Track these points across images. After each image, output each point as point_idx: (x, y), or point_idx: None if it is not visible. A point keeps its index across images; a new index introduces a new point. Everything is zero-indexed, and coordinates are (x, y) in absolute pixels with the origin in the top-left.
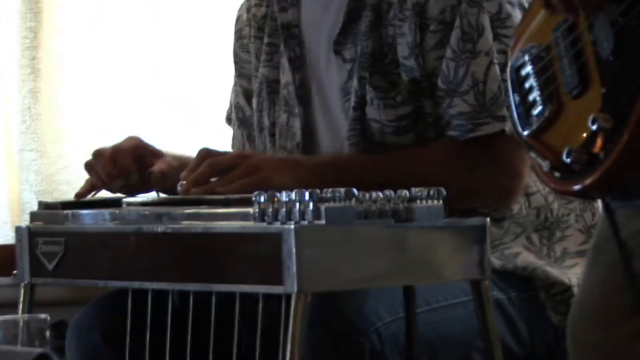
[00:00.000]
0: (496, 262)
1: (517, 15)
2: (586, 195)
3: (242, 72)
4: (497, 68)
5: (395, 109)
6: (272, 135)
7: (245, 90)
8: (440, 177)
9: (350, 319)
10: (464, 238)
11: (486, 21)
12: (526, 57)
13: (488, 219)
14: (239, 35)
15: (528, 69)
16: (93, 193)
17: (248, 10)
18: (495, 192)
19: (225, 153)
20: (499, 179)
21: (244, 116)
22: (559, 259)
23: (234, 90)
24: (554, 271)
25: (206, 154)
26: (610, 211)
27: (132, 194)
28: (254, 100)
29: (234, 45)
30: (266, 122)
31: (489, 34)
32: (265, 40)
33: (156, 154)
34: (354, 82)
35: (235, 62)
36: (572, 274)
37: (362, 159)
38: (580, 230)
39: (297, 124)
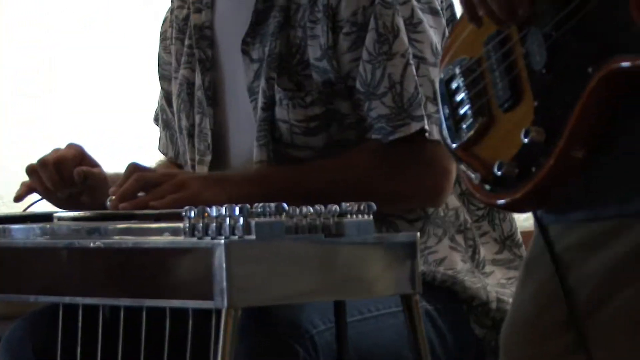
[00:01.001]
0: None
1: (429, 21)
2: (517, 208)
3: (163, 74)
4: (413, 69)
5: (305, 109)
6: (191, 136)
7: (166, 92)
8: (367, 181)
9: (285, 326)
10: (394, 253)
11: (401, 23)
12: (456, 70)
13: (418, 234)
14: (163, 37)
15: (458, 81)
16: (31, 203)
17: (172, 12)
18: (423, 192)
19: (153, 170)
20: (425, 179)
21: (167, 118)
22: (480, 263)
23: (160, 93)
24: (474, 284)
25: (133, 169)
26: (543, 227)
27: (72, 205)
28: (174, 102)
29: (159, 47)
30: (185, 123)
31: (404, 35)
32: (186, 42)
33: (94, 166)
34: (262, 82)
35: (159, 64)
36: (491, 287)
37: (289, 170)
38: (495, 239)
39: (207, 125)
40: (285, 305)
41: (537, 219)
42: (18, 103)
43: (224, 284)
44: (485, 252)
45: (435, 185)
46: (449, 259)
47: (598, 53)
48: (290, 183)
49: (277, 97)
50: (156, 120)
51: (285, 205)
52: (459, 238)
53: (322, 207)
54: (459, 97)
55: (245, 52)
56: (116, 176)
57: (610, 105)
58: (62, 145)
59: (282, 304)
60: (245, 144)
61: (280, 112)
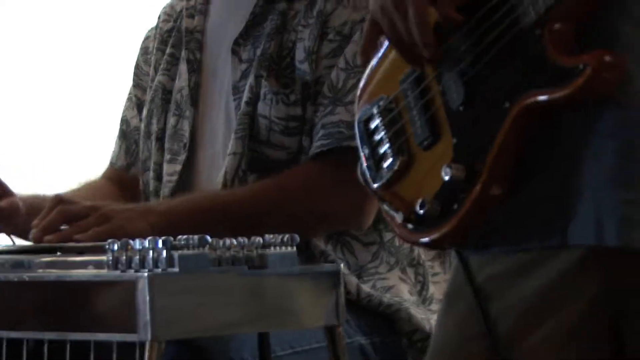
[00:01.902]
0: (366, 289)
1: None
2: (440, 246)
3: (139, 83)
4: None
5: (287, 107)
6: (159, 139)
7: (138, 100)
8: (300, 205)
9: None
10: (318, 284)
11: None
12: (374, 110)
13: (342, 265)
14: (144, 51)
15: (377, 121)
16: None
17: (156, 28)
18: (352, 213)
19: (78, 201)
20: (356, 201)
21: (128, 128)
22: (427, 299)
23: (126, 103)
24: (419, 314)
25: (57, 202)
26: (463, 258)
27: None
28: (145, 109)
29: (138, 59)
30: (155, 127)
31: None
32: (168, 51)
33: (7, 193)
34: (249, 80)
35: (135, 74)
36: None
37: (217, 198)
38: (447, 280)
39: (185, 125)
40: (216, 338)
41: (458, 251)
42: None
43: (148, 316)
44: (434, 290)
45: (359, 204)
46: (396, 288)
47: (514, 88)
48: (218, 211)
49: (262, 92)
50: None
51: (208, 237)
52: (410, 271)
53: (246, 239)
54: (378, 137)
55: (235, 52)
56: (34, 199)
57: (528, 140)
58: None
59: (209, 337)
60: (221, 142)
61: (262, 108)
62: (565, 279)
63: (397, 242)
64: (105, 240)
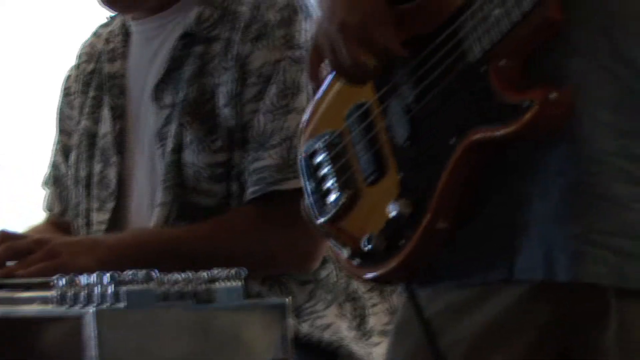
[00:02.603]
0: (304, 328)
1: None
2: (387, 281)
3: (64, 129)
4: None
5: (213, 154)
6: (87, 186)
7: (65, 146)
8: (241, 246)
9: None
10: (265, 318)
11: (305, 81)
12: (319, 144)
13: (288, 299)
14: (66, 93)
15: (322, 156)
16: None
17: (77, 67)
18: (294, 257)
19: (24, 236)
20: (297, 243)
21: (59, 174)
22: (367, 333)
23: (53, 149)
24: (360, 350)
25: (3, 238)
26: (412, 292)
27: None
28: (73, 154)
29: (60, 103)
30: (83, 173)
31: (305, 94)
32: (91, 94)
33: None
34: (172, 127)
35: (60, 120)
36: (377, 356)
37: (165, 234)
38: (387, 310)
39: (112, 172)
40: None
41: (406, 285)
42: None
43: (94, 352)
44: (375, 321)
45: (306, 251)
46: (335, 325)
47: (460, 124)
48: (166, 247)
49: (187, 139)
50: (46, 184)
51: (155, 272)
52: (348, 306)
53: (192, 274)
54: (323, 172)
55: (156, 97)
56: None
57: (474, 175)
58: None
59: None
60: (148, 190)
61: (188, 155)
62: (512, 313)
63: (333, 278)
64: (49, 275)
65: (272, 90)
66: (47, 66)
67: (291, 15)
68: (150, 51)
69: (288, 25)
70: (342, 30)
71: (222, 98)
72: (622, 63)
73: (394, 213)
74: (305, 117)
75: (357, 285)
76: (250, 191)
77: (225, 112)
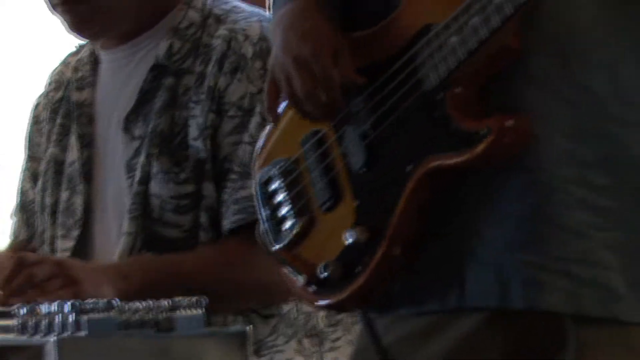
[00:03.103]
0: None
1: None
2: (343, 308)
3: (33, 154)
4: None
5: (178, 186)
6: (53, 214)
7: (34, 172)
8: (239, 275)
9: None
10: (225, 346)
11: None
12: (274, 171)
13: (249, 327)
14: (35, 120)
15: (277, 183)
16: None
17: (46, 95)
18: (252, 291)
19: (43, 259)
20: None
21: (26, 200)
22: None
23: (22, 176)
24: None
25: (22, 262)
26: (369, 320)
27: None
28: (40, 181)
29: (29, 129)
30: (49, 201)
31: None
32: (58, 121)
33: None
34: (141, 158)
35: (29, 147)
36: None
37: (176, 266)
38: (351, 341)
39: (78, 200)
40: None
41: (363, 313)
42: None
43: None
44: (336, 355)
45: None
46: None
47: (416, 151)
48: (178, 280)
49: (154, 171)
50: (14, 213)
51: (115, 301)
52: (306, 342)
53: (153, 302)
54: (278, 199)
55: (126, 129)
56: None
57: (430, 202)
58: None
59: None
60: (114, 219)
61: (154, 187)
62: (469, 341)
63: (294, 313)
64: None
65: (254, 122)
66: (47, 67)
67: (266, 47)
68: (119, 80)
69: (264, 57)
70: (296, 63)
71: (193, 130)
72: (580, 91)
73: (350, 240)
74: (259, 144)
75: (317, 321)
76: (234, 219)
77: (196, 144)
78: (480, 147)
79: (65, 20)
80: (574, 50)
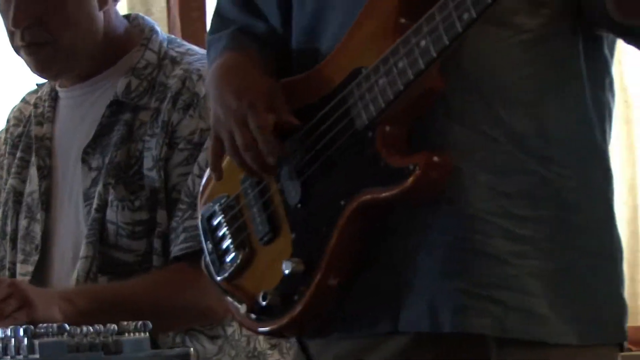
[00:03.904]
0: None
1: None
2: (281, 334)
3: None
4: None
5: (133, 213)
6: (13, 240)
7: None
8: (184, 299)
9: None
10: None
11: None
12: (216, 207)
13: (192, 349)
14: None
15: (219, 218)
16: None
17: (6, 131)
18: (192, 313)
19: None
20: (198, 300)
21: None
22: None
23: None
24: None
25: None
26: (303, 345)
27: None
28: (0, 210)
29: None
30: (8, 229)
31: None
32: (19, 155)
33: None
34: (98, 187)
35: None
36: None
37: (125, 292)
38: None
39: (37, 228)
40: None
41: (298, 338)
42: None
43: None
44: None
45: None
46: None
47: (349, 187)
48: (127, 305)
49: (110, 199)
50: None
51: (66, 325)
52: None
53: (102, 327)
54: (220, 233)
55: (84, 160)
56: None
57: (362, 234)
58: None
59: None
60: (71, 245)
61: (111, 214)
62: None
63: (236, 335)
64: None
65: (202, 156)
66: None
67: None
68: (77, 116)
69: None
70: (235, 119)
71: (148, 162)
72: (500, 128)
73: (287, 271)
74: (203, 181)
75: (257, 344)
76: (182, 247)
77: (151, 174)
78: (408, 182)
79: (28, 62)
80: (496, 89)
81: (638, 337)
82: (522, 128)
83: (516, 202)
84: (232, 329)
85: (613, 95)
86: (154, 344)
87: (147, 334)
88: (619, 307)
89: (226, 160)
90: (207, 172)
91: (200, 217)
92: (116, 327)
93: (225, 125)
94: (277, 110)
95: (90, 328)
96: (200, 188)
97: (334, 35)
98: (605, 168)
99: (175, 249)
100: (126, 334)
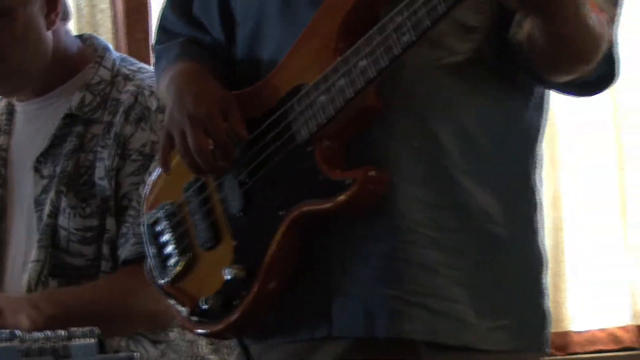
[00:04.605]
0: None
1: None
2: (221, 336)
3: None
4: None
5: (84, 219)
6: None
7: None
8: (133, 303)
9: None
10: None
11: None
12: (160, 214)
13: (136, 353)
14: None
15: (163, 224)
16: None
17: None
18: (144, 317)
19: None
20: (149, 304)
21: None
22: None
23: None
24: None
25: None
26: (244, 347)
27: None
28: None
29: None
30: None
31: None
32: None
33: None
34: (51, 194)
35: None
36: None
37: (84, 298)
38: None
39: None
40: None
41: (240, 340)
42: None
43: None
44: None
45: (154, 311)
46: None
47: (288, 198)
48: (86, 310)
49: (62, 206)
50: None
51: (17, 331)
52: None
53: (51, 332)
54: (163, 238)
55: (36, 169)
56: None
57: (300, 242)
58: None
59: None
60: (24, 250)
61: (62, 220)
62: None
63: (178, 340)
64: None
65: (153, 166)
66: None
67: None
68: (33, 129)
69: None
70: (191, 121)
71: (100, 171)
72: (430, 141)
73: (228, 277)
74: (147, 188)
75: (199, 348)
76: (132, 250)
77: (102, 183)
78: (345, 195)
79: None
80: (428, 107)
81: (562, 342)
82: (448, 143)
83: (444, 214)
84: (175, 333)
85: (541, 114)
86: (102, 348)
87: (95, 339)
88: (541, 315)
89: (173, 166)
90: (151, 179)
91: (144, 223)
92: (65, 333)
93: (179, 125)
94: (230, 120)
95: (41, 334)
96: (144, 195)
97: (273, 50)
98: (529, 184)
99: (125, 252)
100: (75, 340)
